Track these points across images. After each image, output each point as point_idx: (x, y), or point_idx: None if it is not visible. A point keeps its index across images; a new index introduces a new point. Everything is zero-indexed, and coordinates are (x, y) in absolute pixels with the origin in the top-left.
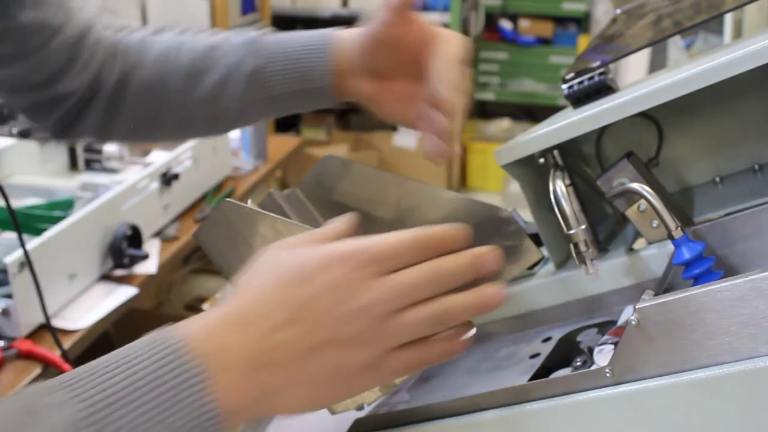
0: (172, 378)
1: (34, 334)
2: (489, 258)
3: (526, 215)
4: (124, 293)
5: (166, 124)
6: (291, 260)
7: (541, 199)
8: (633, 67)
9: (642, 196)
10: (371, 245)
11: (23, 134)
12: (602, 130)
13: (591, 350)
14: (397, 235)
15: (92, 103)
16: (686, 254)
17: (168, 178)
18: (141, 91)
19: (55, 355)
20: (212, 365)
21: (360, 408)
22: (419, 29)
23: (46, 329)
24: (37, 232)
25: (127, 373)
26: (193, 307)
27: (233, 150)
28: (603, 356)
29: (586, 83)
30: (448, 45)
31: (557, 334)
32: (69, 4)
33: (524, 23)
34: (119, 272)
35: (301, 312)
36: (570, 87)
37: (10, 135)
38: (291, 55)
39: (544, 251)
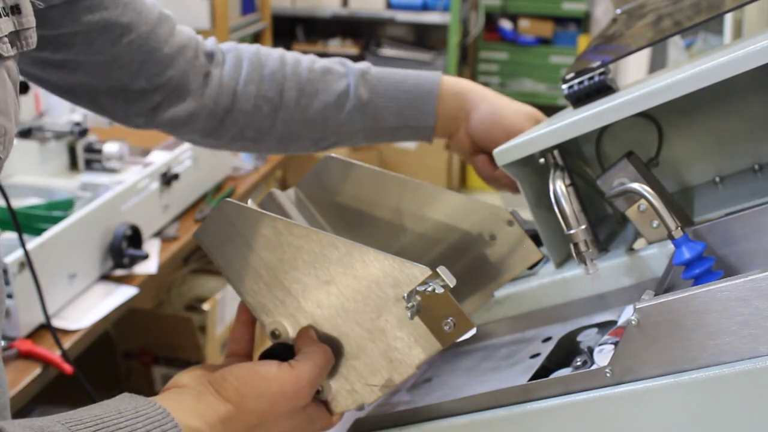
0: None
1: (34, 334)
2: None
3: (526, 215)
4: (124, 293)
5: (272, 137)
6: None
7: (541, 199)
8: (633, 67)
9: (642, 196)
10: None
11: (23, 134)
12: (602, 130)
13: (591, 350)
14: None
15: (198, 111)
16: (686, 254)
17: (168, 178)
18: (252, 104)
19: (55, 355)
20: None
21: (360, 408)
22: None
23: (46, 329)
24: (37, 232)
25: None
26: (193, 307)
27: None
28: (603, 356)
29: (586, 83)
30: None
31: (557, 334)
32: (138, 5)
33: (524, 23)
34: (119, 272)
35: None
36: (570, 87)
37: None
38: (402, 93)
39: (544, 251)
